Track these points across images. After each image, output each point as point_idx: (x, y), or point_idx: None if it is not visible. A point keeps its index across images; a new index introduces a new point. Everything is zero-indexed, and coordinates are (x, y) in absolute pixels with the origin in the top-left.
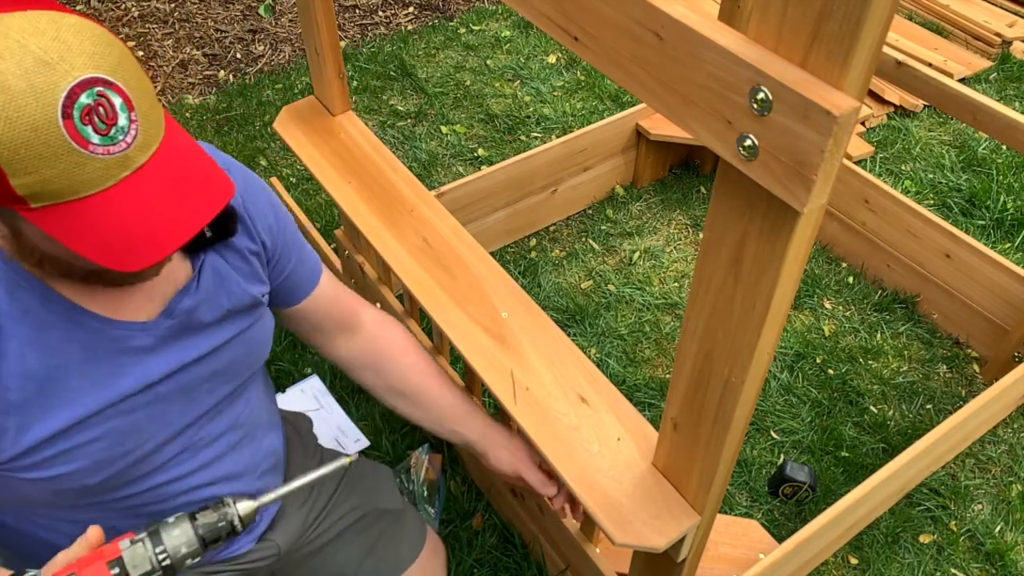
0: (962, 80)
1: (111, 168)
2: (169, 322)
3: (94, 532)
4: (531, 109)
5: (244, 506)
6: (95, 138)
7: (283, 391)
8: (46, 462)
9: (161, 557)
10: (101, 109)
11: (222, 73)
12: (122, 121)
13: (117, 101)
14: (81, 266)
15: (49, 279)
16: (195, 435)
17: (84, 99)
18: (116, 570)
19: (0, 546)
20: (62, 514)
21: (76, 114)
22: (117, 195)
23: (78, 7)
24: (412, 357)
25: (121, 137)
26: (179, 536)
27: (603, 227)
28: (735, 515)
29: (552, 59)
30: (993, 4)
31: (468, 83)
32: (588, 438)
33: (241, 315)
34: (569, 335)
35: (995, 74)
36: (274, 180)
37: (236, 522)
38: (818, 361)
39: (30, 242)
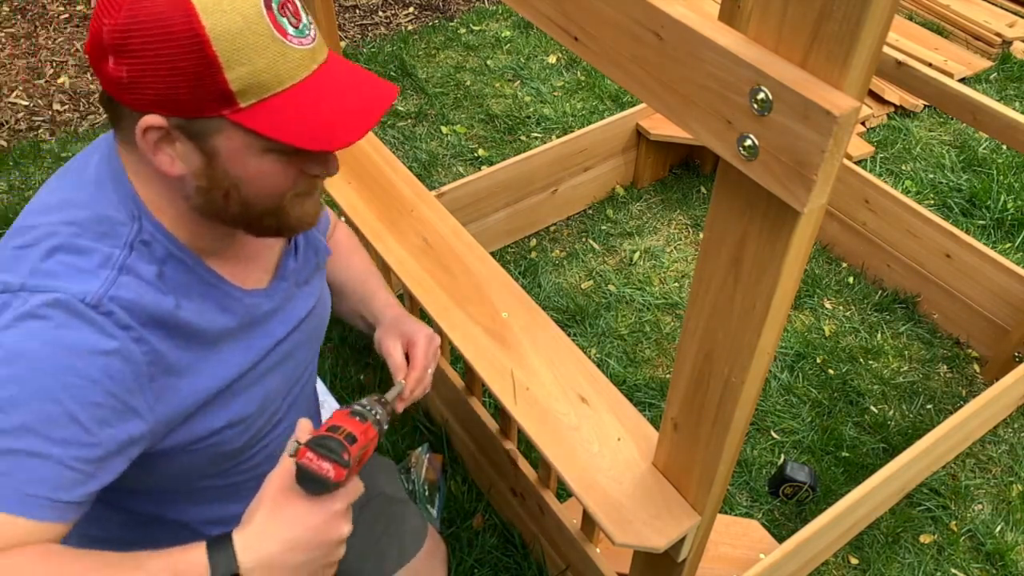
0: (962, 80)
1: (305, 59)
2: (283, 284)
3: (305, 420)
4: (531, 109)
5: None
6: (291, 29)
7: None
8: (208, 420)
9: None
10: (289, 6)
11: None
12: (304, 19)
13: (297, 1)
14: (261, 205)
15: (224, 223)
16: (299, 392)
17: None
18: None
19: (121, 539)
20: (198, 488)
21: (275, 6)
22: (312, 85)
23: (78, 7)
24: (343, 254)
25: (308, 32)
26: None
27: (603, 227)
28: (735, 515)
29: (552, 59)
30: (993, 4)
31: (468, 83)
32: (588, 438)
33: (320, 271)
34: (569, 335)
35: (995, 74)
36: None
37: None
38: (818, 361)
39: (222, 167)
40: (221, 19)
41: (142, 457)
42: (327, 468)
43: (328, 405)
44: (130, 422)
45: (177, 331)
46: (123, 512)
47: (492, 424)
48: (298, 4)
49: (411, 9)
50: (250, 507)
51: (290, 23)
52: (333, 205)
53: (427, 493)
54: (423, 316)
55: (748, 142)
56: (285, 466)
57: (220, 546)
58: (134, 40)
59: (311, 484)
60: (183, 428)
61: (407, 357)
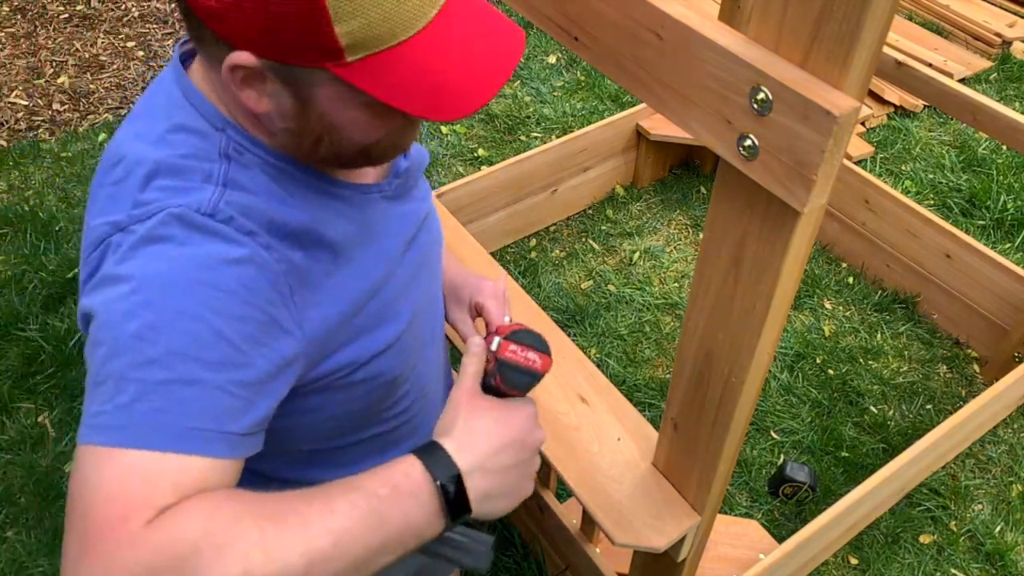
0: (962, 80)
1: (424, 5)
2: (397, 181)
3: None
4: (531, 109)
5: None
6: None
7: None
8: (365, 342)
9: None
10: None
11: None
12: None
13: None
14: (352, 146)
15: (310, 162)
16: (438, 316)
17: None
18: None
19: None
20: (351, 442)
21: None
22: (429, 36)
23: (78, 7)
24: None
25: None
26: None
27: (603, 227)
28: (735, 515)
29: (552, 59)
30: (993, 4)
31: None
32: (588, 438)
33: (425, 182)
34: (569, 335)
35: (995, 74)
36: None
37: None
38: (818, 361)
39: (317, 113)
40: None
41: (300, 398)
42: (533, 358)
43: None
44: (280, 340)
45: (301, 238)
46: (263, 480)
47: None
48: None
49: None
50: (443, 418)
51: None
52: None
53: None
54: None
55: (748, 142)
56: (471, 371)
57: (430, 454)
58: None
59: (517, 377)
60: (341, 353)
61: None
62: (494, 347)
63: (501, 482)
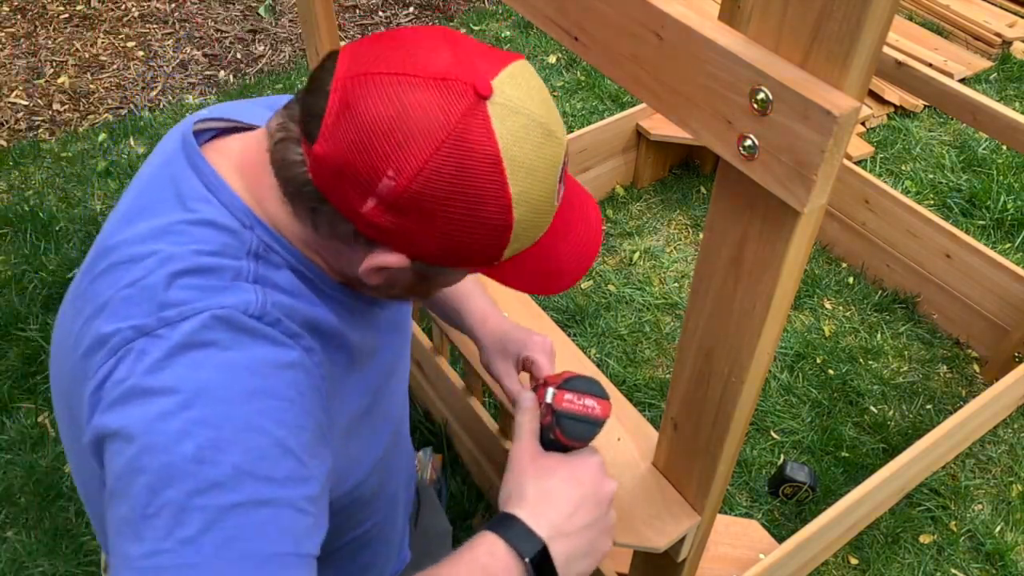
0: (962, 80)
1: (554, 212)
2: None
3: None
4: None
5: None
6: (561, 188)
7: None
8: (360, 459)
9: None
10: (567, 164)
11: (222, 73)
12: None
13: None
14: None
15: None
16: (405, 426)
17: (565, 158)
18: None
19: None
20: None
21: (562, 175)
22: (549, 235)
23: (78, 7)
24: None
25: (564, 184)
26: None
27: (603, 227)
28: (735, 515)
29: (552, 59)
30: (993, 4)
31: None
32: None
33: None
34: (569, 335)
35: (995, 74)
36: None
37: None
38: (818, 361)
39: (427, 286)
40: (529, 209)
41: None
42: (591, 405)
43: None
44: (326, 449)
45: (331, 340)
46: None
47: (492, 424)
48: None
49: (411, 9)
50: (507, 483)
51: (562, 185)
52: None
53: None
54: (423, 315)
55: (748, 142)
56: (528, 428)
57: (508, 528)
58: (426, 207)
59: (578, 428)
60: (344, 472)
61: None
62: (549, 399)
63: (581, 543)
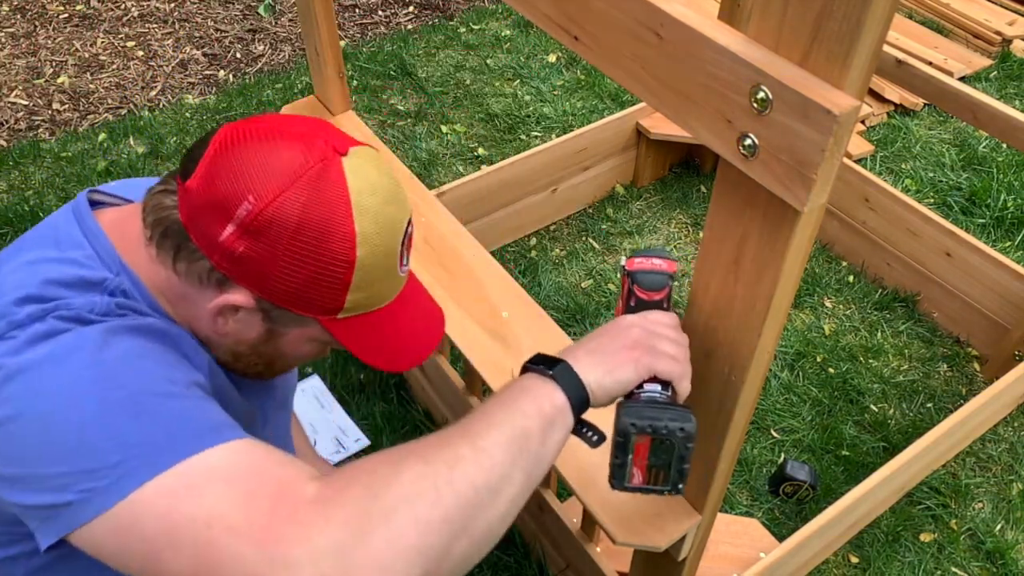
0: (962, 78)
1: (399, 285)
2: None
3: None
4: (531, 108)
5: None
6: (406, 260)
7: None
8: None
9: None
10: (411, 238)
11: (222, 73)
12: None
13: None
14: (280, 369)
15: (226, 367)
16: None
17: (409, 229)
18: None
19: None
20: None
21: (405, 241)
22: (393, 307)
23: (78, 7)
24: None
25: (408, 260)
26: None
27: (603, 226)
28: (736, 514)
29: (552, 58)
30: (993, 3)
31: (468, 82)
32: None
33: None
34: (569, 335)
35: (995, 72)
36: None
37: None
38: (818, 360)
39: (276, 344)
40: (372, 251)
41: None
42: (659, 263)
43: (328, 405)
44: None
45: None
46: None
47: None
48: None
49: (411, 8)
50: None
51: (407, 256)
52: None
53: None
54: None
55: (748, 141)
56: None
57: (537, 366)
58: (277, 232)
59: (647, 279)
60: None
61: None
62: (623, 262)
63: (596, 355)
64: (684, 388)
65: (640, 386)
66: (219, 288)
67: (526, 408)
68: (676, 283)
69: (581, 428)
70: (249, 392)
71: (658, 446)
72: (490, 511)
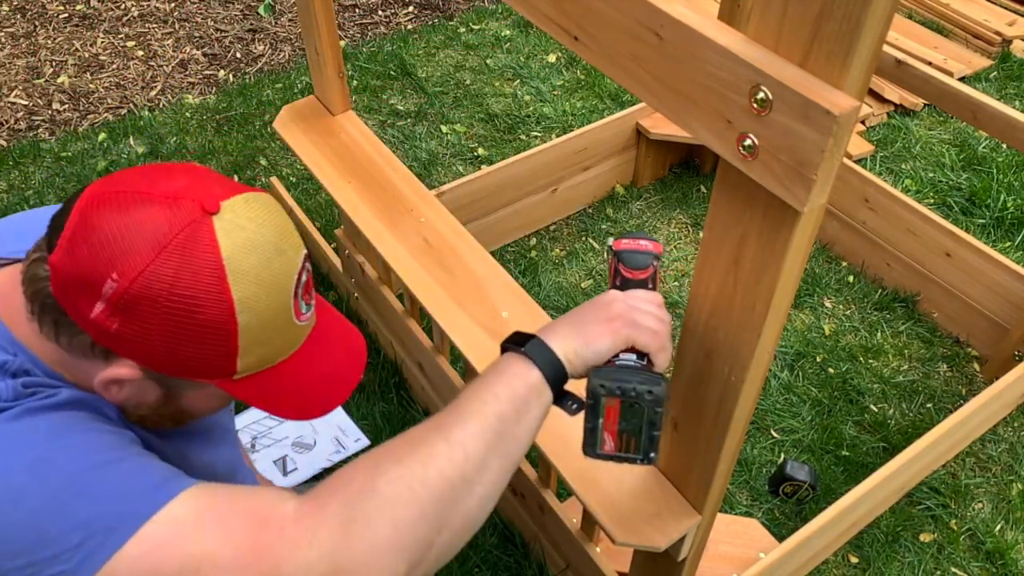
0: (962, 79)
1: (303, 332)
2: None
3: None
4: (531, 108)
5: None
6: (304, 308)
7: None
8: None
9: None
10: (308, 283)
11: (222, 73)
12: (312, 289)
13: (311, 271)
14: (192, 421)
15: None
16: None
17: (303, 276)
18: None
19: None
20: None
21: (300, 291)
22: (299, 355)
23: (78, 6)
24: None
25: (312, 303)
26: None
27: (603, 226)
28: (735, 514)
29: (552, 58)
30: (993, 3)
31: (468, 82)
32: None
33: None
34: None
35: (995, 73)
36: (274, 180)
37: None
38: (818, 360)
39: (177, 405)
40: (255, 316)
41: None
42: (644, 244)
43: None
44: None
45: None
46: None
47: None
48: (312, 277)
49: (411, 8)
50: None
51: (305, 303)
52: (333, 204)
53: None
54: (423, 315)
55: (748, 141)
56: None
57: (514, 343)
58: (147, 308)
59: (633, 259)
60: None
61: None
62: (610, 243)
63: (569, 329)
64: (661, 360)
65: (616, 355)
66: (106, 360)
67: (499, 392)
68: (676, 283)
69: (562, 399)
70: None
71: (627, 410)
72: (468, 501)
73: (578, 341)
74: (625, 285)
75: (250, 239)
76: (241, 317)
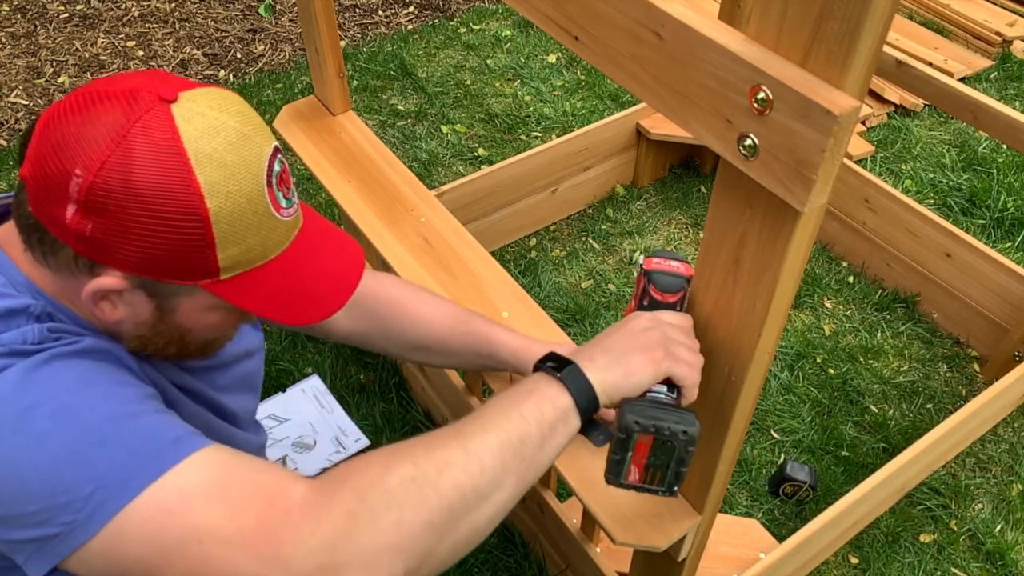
0: (962, 79)
1: (289, 229)
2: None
3: None
4: (531, 108)
5: None
6: (283, 201)
7: (283, 390)
8: None
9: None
10: (284, 176)
11: (222, 73)
12: (292, 183)
13: (287, 164)
14: (196, 345)
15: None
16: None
17: (276, 166)
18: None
19: None
20: None
21: (274, 181)
22: (290, 255)
23: (78, 6)
24: (414, 307)
25: (294, 200)
26: None
27: (603, 226)
28: (735, 514)
29: (552, 58)
30: (993, 3)
31: (468, 82)
32: None
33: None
34: (569, 335)
35: (995, 73)
36: None
37: None
38: (818, 360)
39: (174, 321)
40: (226, 201)
41: None
42: (676, 266)
43: (328, 405)
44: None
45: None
46: None
47: None
48: (288, 169)
49: (411, 8)
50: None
51: (283, 196)
52: (334, 204)
53: None
54: None
55: (748, 141)
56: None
57: (546, 365)
58: (116, 203)
59: (664, 280)
60: None
61: None
62: (641, 261)
63: (608, 358)
64: (692, 395)
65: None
66: (91, 273)
67: (527, 412)
68: None
69: (589, 428)
70: (202, 376)
71: (659, 446)
72: (476, 514)
73: (617, 372)
74: (653, 306)
75: (211, 124)
76: (210, 201)
